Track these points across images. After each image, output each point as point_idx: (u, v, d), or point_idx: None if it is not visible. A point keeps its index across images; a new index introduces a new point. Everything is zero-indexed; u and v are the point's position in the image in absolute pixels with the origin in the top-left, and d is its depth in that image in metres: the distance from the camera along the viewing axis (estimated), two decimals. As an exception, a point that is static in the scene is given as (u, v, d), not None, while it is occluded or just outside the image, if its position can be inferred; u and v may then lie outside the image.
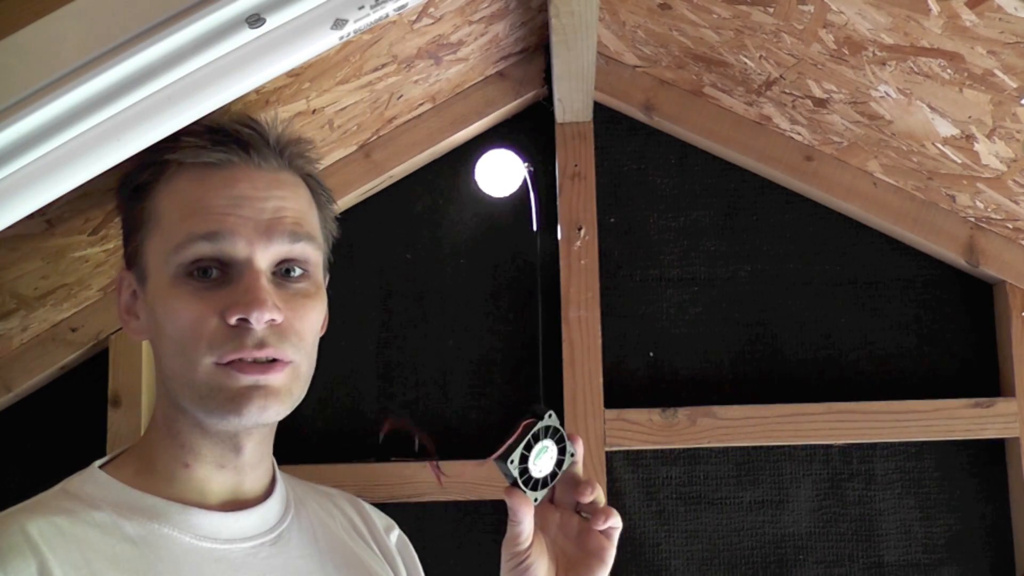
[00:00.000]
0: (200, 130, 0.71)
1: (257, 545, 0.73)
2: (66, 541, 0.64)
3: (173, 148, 0.70)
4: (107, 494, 0.69)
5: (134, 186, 0.74)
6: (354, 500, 0.93)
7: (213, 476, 0.73)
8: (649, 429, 1.28)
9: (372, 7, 0.54)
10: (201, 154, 0.71)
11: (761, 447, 1.32)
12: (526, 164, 1.35)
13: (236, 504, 0.75)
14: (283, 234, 0.71)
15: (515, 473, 0.74)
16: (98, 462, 0.74)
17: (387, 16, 0.56)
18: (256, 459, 0.76)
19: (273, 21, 0.52)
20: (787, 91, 1.19)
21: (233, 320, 0.68)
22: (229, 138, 0.72)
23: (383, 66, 1.08)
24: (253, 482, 0.77)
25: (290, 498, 0.82)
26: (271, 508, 0.77)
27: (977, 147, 1.05)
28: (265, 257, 0.71)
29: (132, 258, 0.75)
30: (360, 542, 0.86)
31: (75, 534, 0.65)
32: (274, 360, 0.69)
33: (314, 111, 1.09)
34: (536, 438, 0.76)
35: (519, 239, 1.37)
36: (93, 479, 0.71)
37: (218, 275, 0.70)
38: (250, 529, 0.74)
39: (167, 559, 0.67)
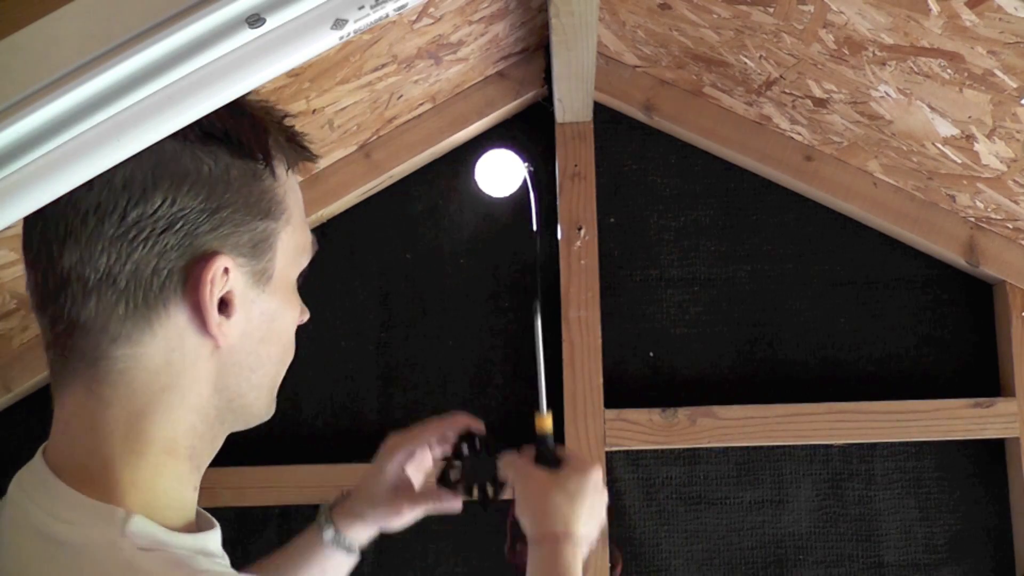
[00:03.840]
0: (281, 120, 0.66)
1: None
2: None
3: (293, 135, 0.66)
4: (172, 540, 0.61)
5: (271, 161, 0.64)
6: None
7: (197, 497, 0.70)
8: (649, 429, 1.28)
9: (372, 7, 0.54)
10: (301, 154, 0.68)
11: (761, 447, 1.32)
12: (526, 164, 1.35)
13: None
14: None
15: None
16: (98, 505, 0.59)
17: (387, 16, 0.56)
18: None
19: (273, 21, 0.52)
20: (787, 91, 1.19)
21: (302, 321, 0.70)
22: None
23: (383, 66, 1.08)
24: None
25: None
26: None
27: (977, 147, 1.05)
28: None
29: (254, 248, 0.62)
30: None
31: None
32: None
33: (314, 111, 1.09)
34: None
35: (519, 239, 1.37)
36: (145, 526, 0.60)
37: None
38: None
39: None
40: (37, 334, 1.29)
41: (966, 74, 0.91)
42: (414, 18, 1.00)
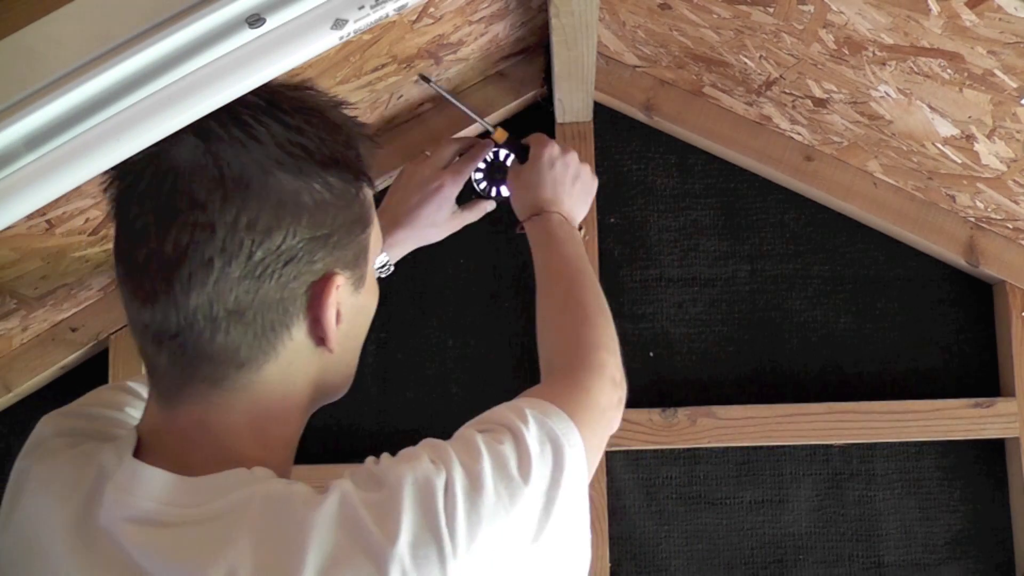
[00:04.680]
0: (356, 120, 0.69)
1: None
2: None
3: (368, 135, 0.68)
4: None
5: (367, 174, 0.68)
6: None
7: None
8: (649, 429, 1.28)
9: (372, 7, 0.54)
10: (375, 151, 0.71)
11: (761, 447, 1.32)
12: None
13: None
14: None
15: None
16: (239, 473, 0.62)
17: (387, 16, 0.56)
18: None
19: (273, 21, 0.52)
20: (787, 91, 1.19)
21: None
22: None
23: (383, 66, 1.08)
24: None
25: None
26: None
27: (977, 147, 1.05)
28: None
29: (356, 259, 0.67)
30: None
31: None
32: None
33: (314, 111, 1.09)
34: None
35: (519, 239, 1.37)
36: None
37: None
38: None
39: None
40: (37, 334, 1.29)
41: (966, 74, 0.91)
42: (414, 18, 1.00)
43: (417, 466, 0.60)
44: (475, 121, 1.20)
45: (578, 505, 0.66)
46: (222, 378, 0.62)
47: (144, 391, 0.82)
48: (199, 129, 0.59)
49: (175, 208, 0.59)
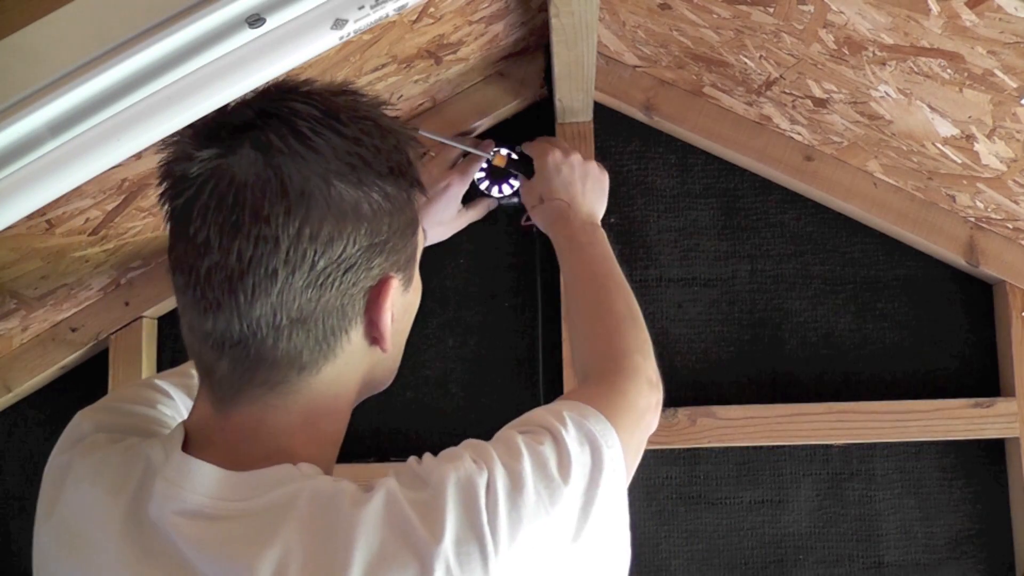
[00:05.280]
0: (402, 123, 0.70)
1: None
2: None
3: (414, 137, 0.70)
4: None
5: (419, 178, 0.70)
6: None
7: None
8: (649, 429, 1.28)
9: (372, 7, 0.54)
10: (420, 153, 0.73)
11: (761, 447, 1.32)
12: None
13: None
14: None
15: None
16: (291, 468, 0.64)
17: (387, 16, 0.56)
18: None
19: (273, 21, 0.52)
20: (787, 91, 1.19)
21: None
22: None
23: (383, 66, 1.08)
24: None
25: None
26: None
27: (977, 147, 1.05)
28: None
29: (407, 261, 0.69)
30: None
31: None
32: None
33: (314, 111, 1.09)
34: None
35: (519, 239, 1.37)
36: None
37: None
38: None
39: None
40: (37, 334, 1.29)
41: (966, 74, 0.91)
42: (414, 18, 1.00)
43: (460, 466, 0.62)
44: (478, 154, 1.25)
45: (617, 505, 0.68)
46: (281, 381, 0.63)
47: (170, 388, 0.84)
48: (258, 142, 0.59)
49: (238, 222, 0.59)
